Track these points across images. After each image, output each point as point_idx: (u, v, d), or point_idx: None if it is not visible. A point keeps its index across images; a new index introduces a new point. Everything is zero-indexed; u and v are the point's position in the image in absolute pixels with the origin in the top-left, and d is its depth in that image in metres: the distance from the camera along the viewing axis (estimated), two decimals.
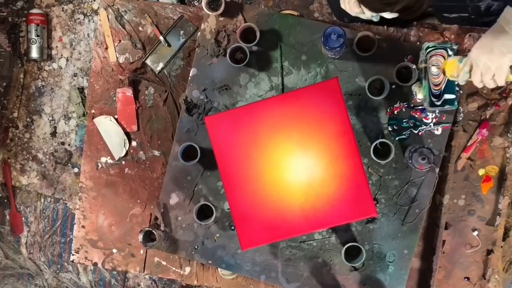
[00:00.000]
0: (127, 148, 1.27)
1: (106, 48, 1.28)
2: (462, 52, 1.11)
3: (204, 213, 1.16)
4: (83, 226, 1.29)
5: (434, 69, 1.02)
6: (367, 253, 1.14)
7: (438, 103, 1.03)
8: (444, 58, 1.02)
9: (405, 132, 1.14)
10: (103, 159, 1.28)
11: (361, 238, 1.15)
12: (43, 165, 1.87)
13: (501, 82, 0.89)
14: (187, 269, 1.26)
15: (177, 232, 1.20)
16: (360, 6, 0.95)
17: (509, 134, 1.17)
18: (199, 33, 1.20)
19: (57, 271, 1.95)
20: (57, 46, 1.84)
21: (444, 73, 1.02)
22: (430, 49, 1.03)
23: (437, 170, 1.12)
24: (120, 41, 1.27)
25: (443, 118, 1.13)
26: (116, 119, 1.27)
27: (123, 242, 1.28)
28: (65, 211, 1.91)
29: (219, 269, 1.23)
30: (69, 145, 1.86)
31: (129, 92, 1.25)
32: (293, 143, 1.00)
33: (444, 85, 1.03)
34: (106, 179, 1.28)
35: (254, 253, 1.18)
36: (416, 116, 1.13)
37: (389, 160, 1.08)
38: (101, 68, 1.28)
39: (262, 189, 1.01)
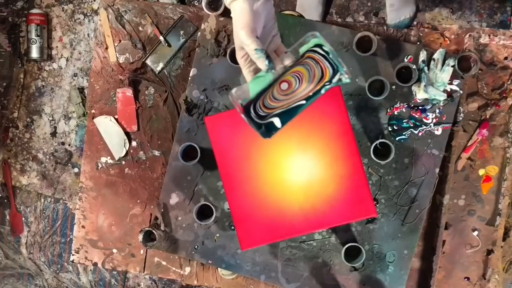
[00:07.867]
0: (127, 148, 1.27)
1: (106, 48, 1.28)
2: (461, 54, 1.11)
3: (204, 213, 1.16)
4: (83, 226, 1.29)
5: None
6: (367, 253, 1.14)
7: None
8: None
9: (405, 132, 1.14)
10: (103, 159, 1.28)
11: (361, 238, 1.15)
12: (43, 165, 1.87)
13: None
14: (187, 269, 1.26)
15: (177, 232, 1.20)
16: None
17: (509, 134, 1.17)
18: (199, 33, 1.20)
19: (57, 271, 1.95)
20: (57, 46, 1.84)
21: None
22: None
23: (437, 170, 1.12)
24: (120, 41, 1.27)
25: (443, 118, 1.13)
26: (116, 119, 1.27)
27: (123, 242, 1.28)
28: (65, 211, 1.91)
29: (219, 269, 1.23)
30: (69, 145, 1.86)
31: (129, 92, 1.25)
32: (293, 143, 1.00)
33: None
34: (106, 179, 1.28)
35: (254, 253, 1.18)
36: (416, 116, 1.13)
37: (389, 160, 1.08)
38: (101, 68, 1.28)
39: (262, 189, 1.01)
